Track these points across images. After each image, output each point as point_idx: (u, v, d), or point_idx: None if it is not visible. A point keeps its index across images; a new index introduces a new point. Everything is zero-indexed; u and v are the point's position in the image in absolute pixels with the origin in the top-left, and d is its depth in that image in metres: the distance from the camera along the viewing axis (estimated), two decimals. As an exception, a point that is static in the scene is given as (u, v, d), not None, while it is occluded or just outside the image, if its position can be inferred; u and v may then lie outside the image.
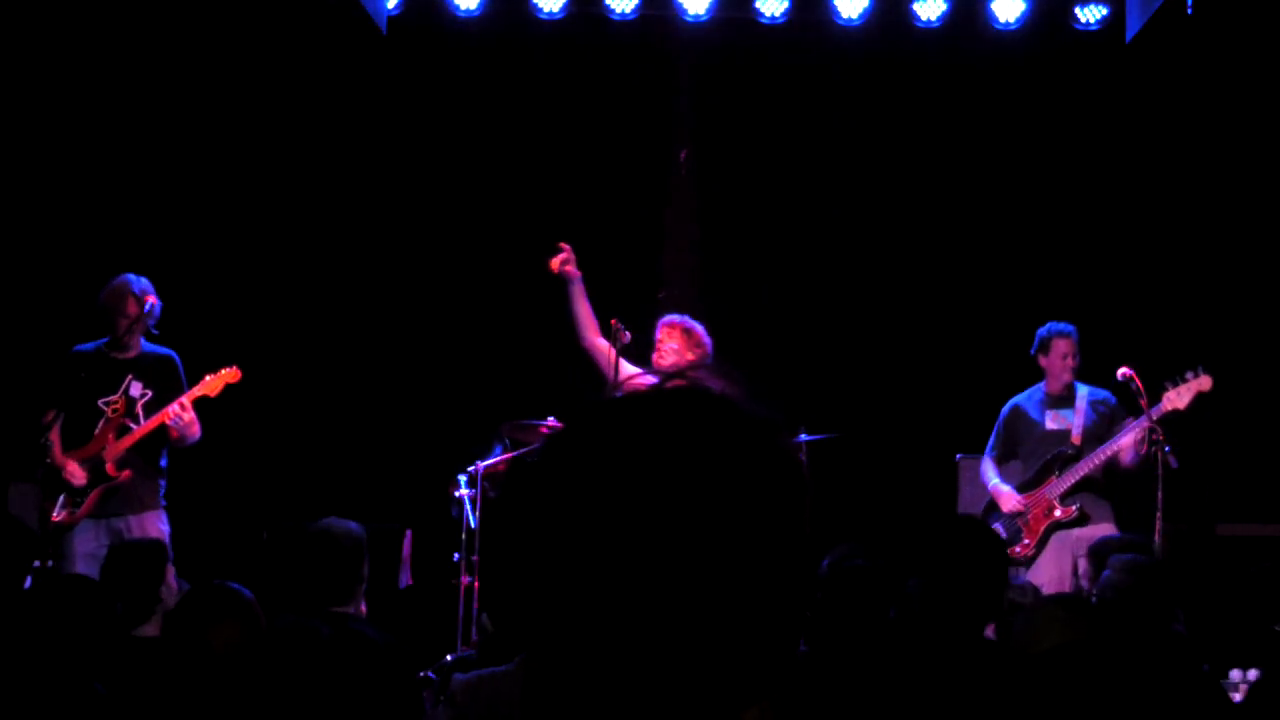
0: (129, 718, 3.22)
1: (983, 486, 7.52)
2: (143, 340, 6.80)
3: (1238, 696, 4.95)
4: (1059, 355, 7.21)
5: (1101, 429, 7.14)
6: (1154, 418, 6.82)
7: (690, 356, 6.69)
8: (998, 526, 7.19)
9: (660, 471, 1.22)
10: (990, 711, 3.20)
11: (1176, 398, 6.87)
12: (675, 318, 6.91)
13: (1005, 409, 7.42)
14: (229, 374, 6.79)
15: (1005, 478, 7.35)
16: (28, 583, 5.79)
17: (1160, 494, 6.82)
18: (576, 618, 1.21)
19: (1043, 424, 7.27)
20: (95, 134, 8.62)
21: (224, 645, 3.36)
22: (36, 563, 6.17)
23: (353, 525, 4.99)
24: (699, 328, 6.84)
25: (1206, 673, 4.24)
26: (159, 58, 8.64)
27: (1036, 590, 6.13)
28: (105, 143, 8.64)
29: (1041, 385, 7.34)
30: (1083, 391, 7.22)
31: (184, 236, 8.61)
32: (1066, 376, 7.22)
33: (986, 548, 3.89)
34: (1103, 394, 7.23)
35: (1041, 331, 7.29)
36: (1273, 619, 7.25)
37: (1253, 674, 6.72)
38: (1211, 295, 8.75)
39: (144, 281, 6.79)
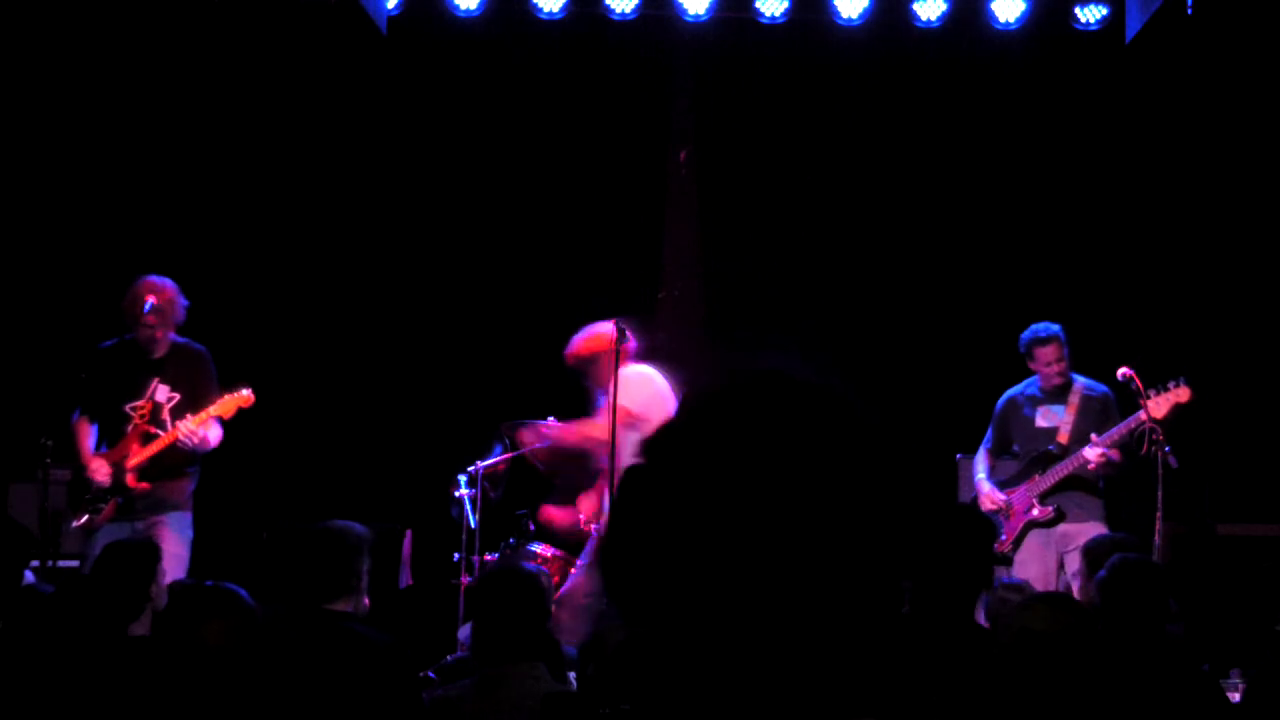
0: (122, 716, 3.23)
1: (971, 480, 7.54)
2: (172, 335, 6.62)
3: (1237, 696, 4.95)
4: (1043, 363, 7.19)
5: (1092, 426, 7.10)
6: (1145, 421, 6.82)
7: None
8: None
9: (768, 455, 1.28)
10: (976, 694, 3.22)
11: (1155, 407, 6.83)
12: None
13: (1000, 402, 7.41)
14: (242, 398, 6.58)
15: (998, 472, 7.37)
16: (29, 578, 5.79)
17: (1160, 494, 6.81)
18: (697, 595, 1.26)
19: (1033, 420, 7.26)
20: (95, 135, 8.63)
21: (214, 642, 3.37)
22: (35, 562, 6.17)
23: (356, 525, 5.01)
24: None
25: (1205, 673, 4.24)
26: (160, 59, 8.65)
27: (1031, 588, 6.13)
28: (104, 144, 8.65)
29: (1036, 379, 7.31)
30: (1078, 385, 7.16)
31: (184, 237, 8.62)
32: (1056, 380, 7.19)
33: (976, 531, 3.94)
34: (1099, 389, 7.18)
35: (1023, 338, 7.23)
36: (1273, 619, 7.24)
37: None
38: (1211, 294, 8.74)
39: (167, 281, 6.60)
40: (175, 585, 4.61)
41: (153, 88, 8.68)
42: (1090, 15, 8.76)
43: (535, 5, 8.78)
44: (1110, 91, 8.93)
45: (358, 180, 9.00)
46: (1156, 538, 6.73)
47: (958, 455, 8.26)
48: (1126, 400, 7.07)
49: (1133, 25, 8.36)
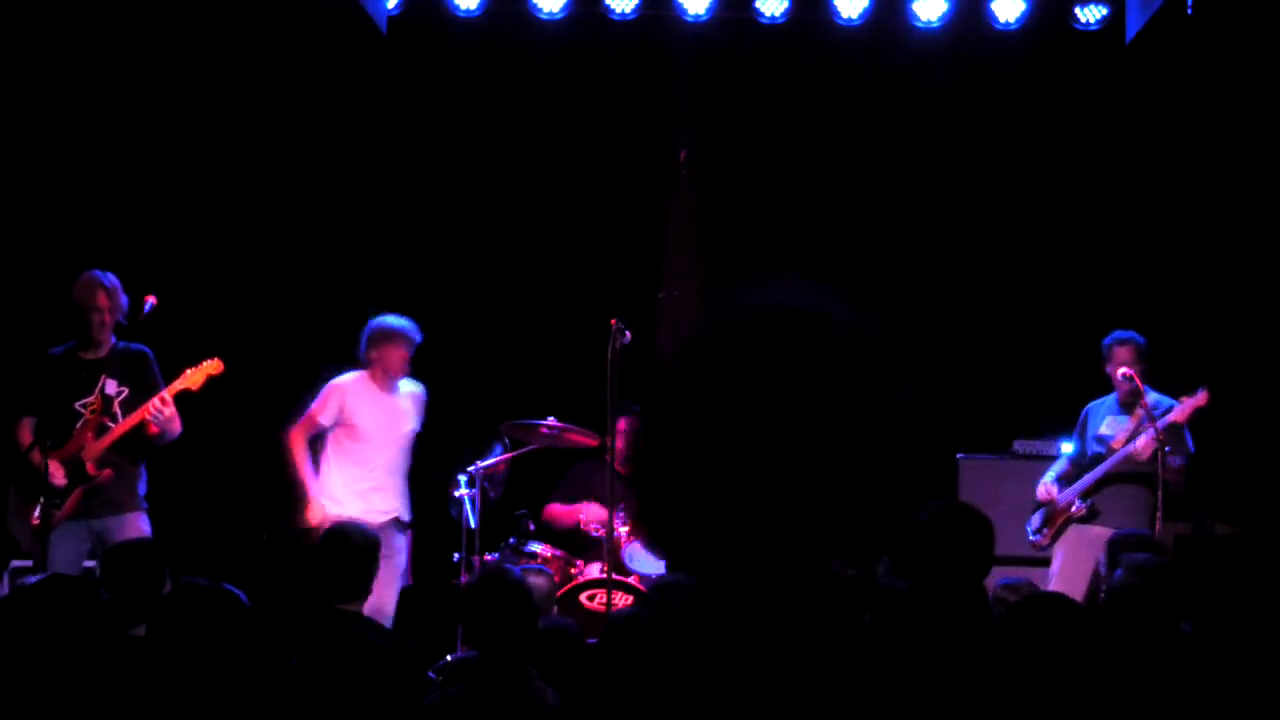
0: (123, 716, 3.22)
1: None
2: (113, 338, 6.61)
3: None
4: (1119, 362, 7.24)
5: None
6: (1155, 420, 6.88)
7: None
8: (1037, 516, 7.46)
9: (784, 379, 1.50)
10: (973, 691, 3.22)
11: (1180, 412, 6.97)
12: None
13: (1082, 412, 7.52)
14: (210, 366, 6.60)
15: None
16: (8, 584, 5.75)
17: (1160, 494, 6.84)
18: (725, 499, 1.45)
19: (1098, 428, 7.38)
20: (95, 135, 8.62)
21: (205, 641, 3.37)
22: (16, 563, 6.13)
23: (365, 528, 5.03)
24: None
25: (1209, 672, 4.24)
26: (160, 58, 8.64)
27: (1032, 586, 6.13)
28: (105, 144, 8.63)
29: (1114, 395, 7.40)
30: (1147, 400, 7.12)
31: (185, 237, 8.62)
32: (1125, 386, 7.22)
33: (970, 527, 3.96)
34: (1163, 404, 7.18)
35: (1105, 341, 7.31)
36: (1273, 619, 7.24)
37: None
38: (1211, 294, 8.74)
39: (111, 276, 6.63)
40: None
41: (152, 86, 8.67)
42: (1090, 15, 8.76)
43: (535, 5, 8.77)
44: (1110, 91, 8.93)
45: (357, 180, 9.00)
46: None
47: (959, 455, 8.27)
48: (1197, 422, 7.09)
49: (1133, 25, 8.37)
